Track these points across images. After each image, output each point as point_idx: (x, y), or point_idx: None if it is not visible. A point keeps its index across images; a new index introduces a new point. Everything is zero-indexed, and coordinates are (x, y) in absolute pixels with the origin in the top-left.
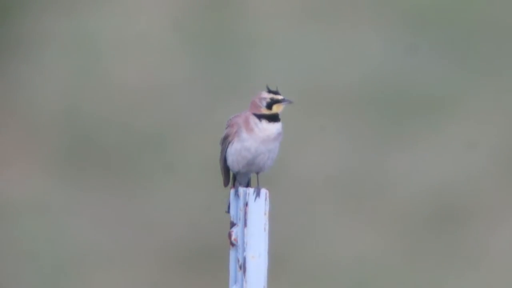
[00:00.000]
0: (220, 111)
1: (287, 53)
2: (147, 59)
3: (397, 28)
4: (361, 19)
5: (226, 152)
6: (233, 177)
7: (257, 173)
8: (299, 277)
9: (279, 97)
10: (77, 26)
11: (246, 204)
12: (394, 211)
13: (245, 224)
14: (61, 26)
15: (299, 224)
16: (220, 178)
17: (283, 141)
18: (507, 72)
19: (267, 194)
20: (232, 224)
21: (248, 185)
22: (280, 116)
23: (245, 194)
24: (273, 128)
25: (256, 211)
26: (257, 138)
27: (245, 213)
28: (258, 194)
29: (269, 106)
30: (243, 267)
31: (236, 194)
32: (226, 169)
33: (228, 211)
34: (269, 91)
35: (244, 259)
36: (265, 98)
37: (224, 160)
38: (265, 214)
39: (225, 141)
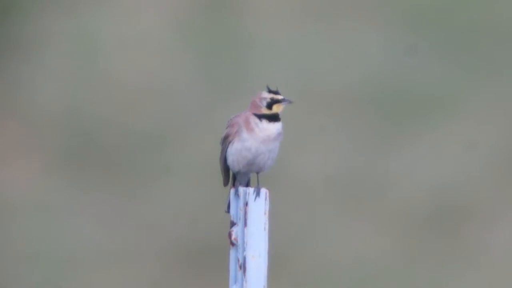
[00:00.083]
0: (220, 111)
1: (287, 53)
2: (147, 59)
3: (397, 28)
4: (361, 19)
5: (226, 152)
6: (233, 177)
7: (257, 173)
8: (299, 277)
9: (279, 97)
10: (77, 26)
11: (246, 204)
12: (394, 211)
13: (245, 224)
14: (61, 26)
15: (299, 224)
16: (220, 178)
17: (283, 141)
18: (507, 72)
19: (267, 194)
20: (232, 224)
21: (248, 184)
22: (280, 116)
23: (245, 193)
24: (273, 128)
25: (256, 210)
26: (257, 138)
27: (245, 213)
28: (258, 193)
29: (269, 106)
30: (243, 267)
31: (236, 193)
32: (226, 169)
33: (228, 211)
34: (269, 91)
35: (244, 258)
36: (265, 98)
37: (224, 160)
38: (265, 213)
39: (226, 141)
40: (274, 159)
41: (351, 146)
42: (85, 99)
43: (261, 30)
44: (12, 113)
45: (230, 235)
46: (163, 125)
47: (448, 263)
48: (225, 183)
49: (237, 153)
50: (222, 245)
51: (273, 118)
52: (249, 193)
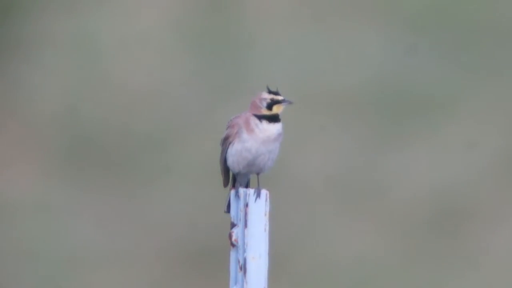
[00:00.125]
0: (220, 111)
1: (287, 53)
2: (147, 59)
3: (397, 28)
4: (361, 19)
5: (226, 152)
6: (233, 178)
7: (258, 173)
8: (300, 278)
9: (279, 97)
10: (77, 26)
11: (246, 205)
12: (394, 211)
13: (245, 225)
14: (61, 26)
15: (299, 225)
16: (220, 178)
17: (283, 141)
18: (507, 72)
19: (268, 195)
20: (233, 225)
21: (247, 185)
22: (280, 117)
23: (246, 195)
24: (274, 128)
25: (256, 211)
26: (257, 139)
27: (246, 214)
28: (258, 195)
29: (269, 106)
30: (243, 268)
31: (237, 195)
32: (226, 169)
33: (227, 211)
34: (269, 92)
35: (245, 260)
36: (265, 99)
37: (224, 160)
38: (265, 214)
39: (226, 142)
40: (274, 160)
41: (351, 146)
42: (85, 99)
43: (261, 30)
44: (12, 113)
45: (230, 236)
46: (163, 125)
47: (448, 263)
48: (225, 184)
49: (237, 154)
50: (222, 246)
51: (273, 118)
52: (249, 194)
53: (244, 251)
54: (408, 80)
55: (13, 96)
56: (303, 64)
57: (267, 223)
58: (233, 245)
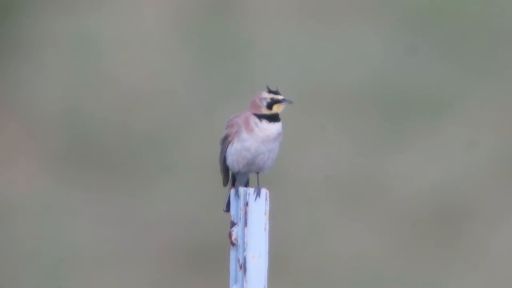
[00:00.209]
0: (220, 111)
1: (287, 53)
2: (147, 59)
3: (397, 28)
4: (361, 19)
5: (226, 152)
6: (232, 177)
7: (257, 173)
8: (300, 277)
9: (279, 97)
10: (77, 26)
11: (246, 204)
12: (394, 211)
13: (245, 224)
14: (61, 26)
15: (299, 224)
16: (219, 178)
17: (283, 141)
18: (507, 72)
19: (267, 194)
20: (233, 224)
21: (247, 184)
22: (280, 116)
23: (246, 194)
24: (273, 128)
25: (256, 211)
26: (257, 138)
27: (246, 213)
28: (258, 194)
29: (270, 106)
30: (243, 267)
31: (237, 194)
32: (225, 169)
33: (226, 210)
34: (269, 91)
35: (245, 259)
36: (265, 98)
37: (223, 160)
38: (265, 214)
39: (225, 141)
40: (274, 159)
41: (351, 146)
42: (85, 99)
43: (261, 31)
44: (12, 113)
45: (230, 235)
46: (163, 125)
47: (448, 262)
48: (225, 183)
49: (236, 153)
50: (222, 245)
51: (273, 118)
52: (249, 193)
53: (244, 250)
54: (408, 80)
55: (13, 96)
56: (303, 64)
57: (267, 222)
58: (233, 244)
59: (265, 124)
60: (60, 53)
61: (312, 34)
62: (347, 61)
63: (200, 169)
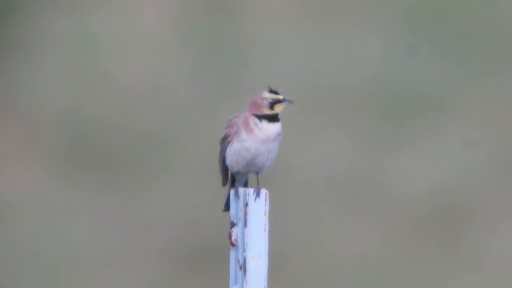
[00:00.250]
0: (220, 111)
1: (287, 53)
2: (147, 59)
3: (397, 28)
4: (361, 19)
5: (225, 152)
6: (231, 177)
7: (257, 173)
8: (300, 277)
9: (280, 97)
10: (77, 26)
11: (246, 205)
12: (394, 211)
13: (245, 225)
14: (61, 26)
15: (299, 224)
16: (219, 178)
17: (283, 141)
18: (506, 72)
19: (267, 195)
20: (232, 225)
21: (245, 185)
22: (279, 116)
23: (245, 194)
24: (273, 128)
25: (256, 211)
26: (256, 139)
27: (245, 214)
28: (258, 194)
29: (271, 106)
30: (243, 268)
31: (236, 194)
32: (225, 169)
33: (225, 210)
34: (271, 91)
35: (244, 259)
36: (267, 98)
37: (223, 160)
38: (265, 214)
39: (225, 141)
40: (273, 160)
41: (351, 146)
42: (85, 99)
43: (261, 30)
44: (12, 113)
45: (230, 235)
46: (163, 125)
47: (448, 262)
48: (224, 183)
49: (236, 153)
50: (222, 245)
51: (273, 118)
52: (249, 194)
53: (244, 250)
54: (408, 80)
55: (13, 96)
56: (303, 64)
57: (267, 223)
58: (232, 244)
59: (265, 124)
60: (60, 53)
61: (312, 34)
62: (347, 61)
63: (200, 169)
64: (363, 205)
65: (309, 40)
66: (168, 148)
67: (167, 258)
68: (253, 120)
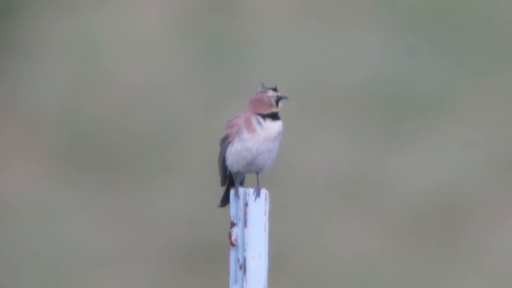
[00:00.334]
0: (220, 111)
1: (287, 53)
2: (147, 59)
3: (397, 28)
4: (361, 19)
5: (225, 152)
6: (229, 176)
7: (257, 173)
8: (300, 277)
9: (280, 93)
10: (77, 26)
11: (246, 204)
12: (394, 211)
13: (245, 224)
14: (61, 26)
15: (299, 224)
16: (219, 178)
17: (283, 140)
18: (506, 72)
19: (267, 194)
20: (232, 224)
21: (242, 183)
22: (279, 114)
23: (245, 194)
24: (276, 126)
25: (256, 211)
26: (259, 138)
27: (245, 213)
28: (258, 194)
29: (277, 103)
30: (243, 268)
31: (236, 194)
32: (224, 169)
33: (221, 206)
34: (274, 89)
35: (244, 259)
36: (273, 96)
37: (223, 160)
38: (265, 214)
39: (225, 142)
40: (274, 159)
41: (351, 146)
42: (85, 99)
43: (261, 30)
44: (12, 113)
45: (230, 235)
46: (163, 125)
47: (448, 262)
48: (223, 183)
49: (237, 153)
50: (222, 246)
51: (275, 116)
52: (249, 194)
53: (244, 250)
54: (408, 80)
55: (13, 96)
56: (303, 64)
57: (267, 223)
58: (232, 244)
59: (268, 123)
60: (60, 53)
61: (312, 34)
62: (347, 61)
63: (200, 169)
64: (363, 205)
65: (309, 40)
66: (168, 148)
67: (167, 258)
68: (257, 120)
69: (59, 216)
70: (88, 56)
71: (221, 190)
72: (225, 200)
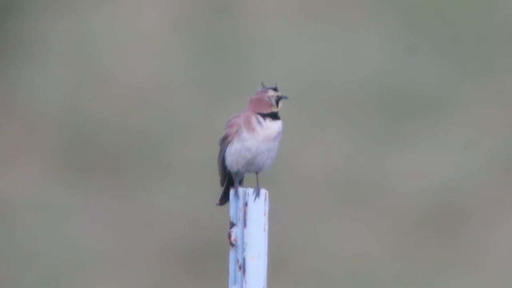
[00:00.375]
0: (220, 111)
1: (287, 53)
2: (147, 59)
3: (397, 28)
4: (361, 19)
5: (225, 152)
6: (228, 176)
7: (257, 173)
8: (299, 278)
9: (281, 93)
10: (77, 26)
11: (245, 205)
12: (394, 211)
13: (244, 225)
14: (61, 26)
15: (299, 224)
16: (219, 178)
17: (283, 140)
18: (507, 72)
19: (267, 194)
20: (232, 225)
21: (241, 182)
22: (279, 114)
23: (245, 194)
24: (275, 126)
25: (255, 211)
26: (258, 138)
27: (245, 214)
28: (257, 194)
29: (277, 103)
30: (242, 268)
31: (236, 194)
32: (224, 169)
33: (219, 204)
34: (274, 89)
35: (244, 259)
36: (273, 96)
37: (222, 160)
38: (264, 214)
39: (224, 141)
40: (273, 159)
41: (351, 146)
42: (85, 99)
43: (261, 30)
44: (12, 113)
45: (229, 235)
46: (163, 125)
47: (448, 262)
48: (223, 183)
49: (236, 153)
50: (221, 246)
51: (275, 116)
52: (248, 194)
53: (243, 250)
54: (408, 80)
55: (13, 96)
56: (303, 64)
57: (267, 223)
58: (232, 244)
59: (268, 122)
60: (60, 53)
61: (312, 34)
62: (347, 61)
63: (200, 169)
64: (363, 205)
65: (309, 40)
66: (168, 148)
67: (167, 258)
68: (257, 119)
69: (59, 216)
70: (88, 56)
71: (220, 190)
72: (224, 199)
